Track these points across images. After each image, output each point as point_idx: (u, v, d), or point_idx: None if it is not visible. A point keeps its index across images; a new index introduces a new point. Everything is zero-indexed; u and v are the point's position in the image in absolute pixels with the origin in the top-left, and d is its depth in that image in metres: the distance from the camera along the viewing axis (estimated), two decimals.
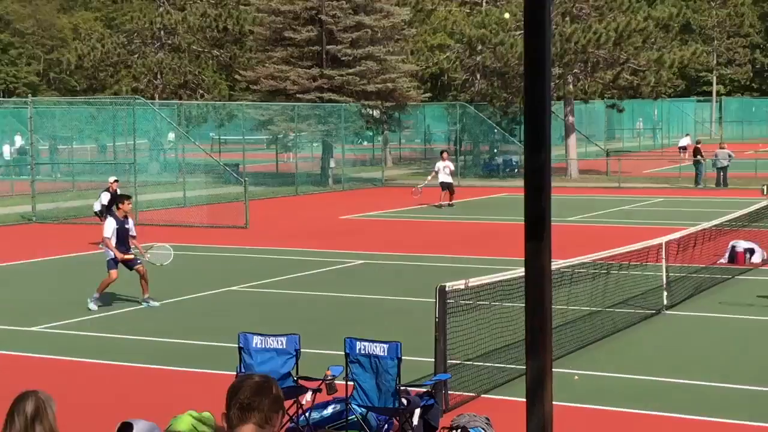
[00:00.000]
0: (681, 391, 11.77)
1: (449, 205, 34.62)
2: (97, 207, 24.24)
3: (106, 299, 17.65)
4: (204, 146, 48.89)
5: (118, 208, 17.69)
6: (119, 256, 17.20)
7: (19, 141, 51.60)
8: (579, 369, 12.60)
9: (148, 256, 18.16)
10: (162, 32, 54.36)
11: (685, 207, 33.49)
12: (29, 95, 39.98)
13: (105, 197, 23.56)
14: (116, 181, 24.19)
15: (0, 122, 51.50)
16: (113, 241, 17.22)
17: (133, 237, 17.64)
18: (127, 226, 17.44)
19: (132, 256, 17.53)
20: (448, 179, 35.06)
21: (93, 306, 17.13)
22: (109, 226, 17.35)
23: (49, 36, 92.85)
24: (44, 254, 23.59)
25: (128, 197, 18.08)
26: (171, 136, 52.41)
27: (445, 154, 36.45)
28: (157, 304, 17.49)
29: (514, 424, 7.42)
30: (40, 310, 17.13)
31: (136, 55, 54.74)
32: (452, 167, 35.96)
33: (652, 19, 45.45)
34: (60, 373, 12.89)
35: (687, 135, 69.44)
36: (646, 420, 10.71)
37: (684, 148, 63.26)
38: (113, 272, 17.15)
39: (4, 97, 79.62)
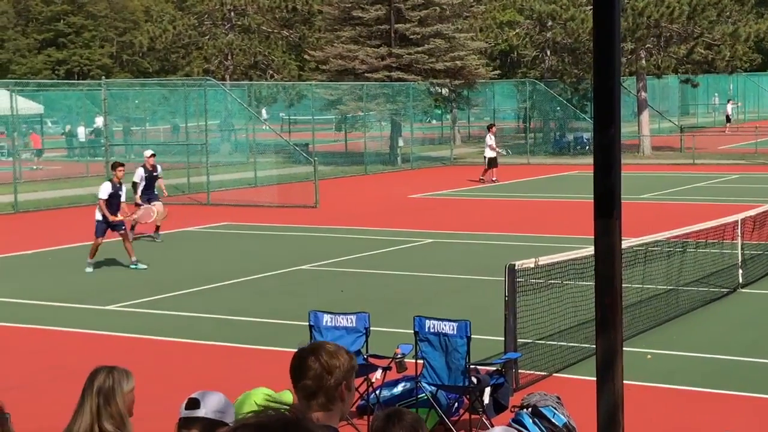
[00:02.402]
0: (755, 370, 11.57)
1: (481, 180, 35.70)
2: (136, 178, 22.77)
3: (106, 263, 19.55)
4: (274, 126, 49.20)
5: (114, 174, 19.43)
6: (111, 217, 19.00)
7: (99, 122, 52.38)
8: (652, 348, 12.45)
9: (136, 216, 20.53)
10: (232, 13, 54.68)
11: (761, 184, 32.83)
12: (103, 77, 40.55)
13: (138, 173, 22.50)
14: (153, 155, 22.95)
15: (74, 105, 52.33)
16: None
17: (123, 202, 19.56)
18: (120, 192, 19.26)
19: (120, 219, 19.33)
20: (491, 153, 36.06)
21: (89, 269, 19.08)
22: (105, 190, 19.16)
23: (122, 18, 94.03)
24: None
25: (122, 164, 19.91)
26: (264, 113, 53.79)
27: (493, 128, 37.52)
28: (144, 266, 19.26)
29: (585, 402, 7.35)
30: (117, 288, 17.41)
31: (207, 37, 55.15)
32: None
33: None
34: (133, 351, 13.09)
35: (729, 101, 68.76)
36: (720, 399, 10.54)
37: (728, 118, 63.16)
38: (100, 239, 19.11)
39: (78, 79, 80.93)
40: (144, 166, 22.62)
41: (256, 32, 55.81)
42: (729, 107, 67.00)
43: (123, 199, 19.40)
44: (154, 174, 22.63)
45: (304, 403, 3.79)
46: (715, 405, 10.44)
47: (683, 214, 23.54)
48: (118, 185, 19.21)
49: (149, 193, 22.48)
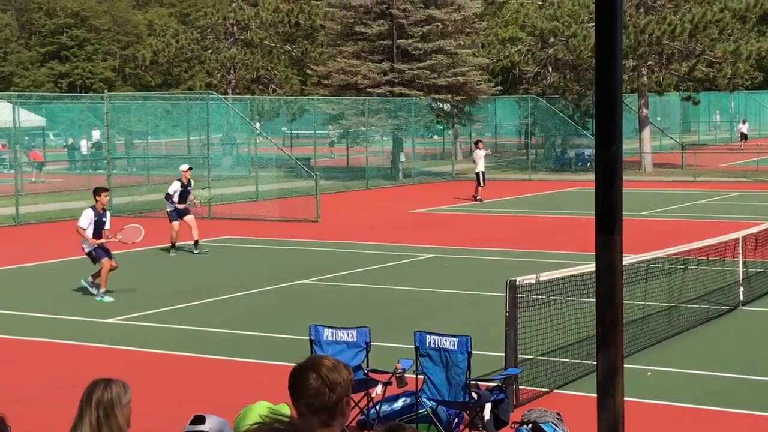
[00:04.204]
0: (756, 388, 11.55)
1: (477, 198, 35.05)
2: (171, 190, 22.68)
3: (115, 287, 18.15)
4: (276, 140, 49.25)
5: (96, 201, 17.63)
6: (92, 240, 17.36)
7: (96, 136, 52.47)
8: (653, 365, 12.43)
9: (120, 236, 18.00)
10: (235, 28, 54.77)
11: (763, 201, 32.83)
12: (105, 91, 40.64)
13: (174, 186, 22.58)
14: (190, 169, 22.97)
15: (77, 117, 52.41)
16: (89, 231, 17.38)
17: (107, 230, 17.69)
18: (104, 219, 17.56)
19: (104, 240, 17.56)
20: (482, 168, 35.79)
21: (108, 298, 17.36)
22: (86, 217, 17.43)
23: (125, 32, 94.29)
24: (120, 247, 23.89)
25: (105, 189, 18.21)
26: (257, 126, 53.94)
27: (481, 143, 37.49)
28: (110, 299, 17.38)
29: (586, 419, 7.34)
30: (118, 301, 17.39)
31: (210, 51, 55.25)
32: (485, 153, 36.82)
33: (729, 9, 44.60)
34: (134, 364, 13.08)
35: (745, 122, 69.56)
36: (720, 417, 10.53)
37: (744, 135, 64.07)
38: (105, 260, 17.42)
39: (80, 92, 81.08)
40: (180, 180, 22.70)
41: (259, 47, 55.93)
42: (744, 126, 67.95)
43: (107, 226, 17.60)
44: (188, 188, 22.66)
45: (306, 418, 3.77)
46: (716, 423, 10.42)
47: (684, 232, 23.54)
48: (101, 212, 17.52)
49: (182, 208, 22.51)
